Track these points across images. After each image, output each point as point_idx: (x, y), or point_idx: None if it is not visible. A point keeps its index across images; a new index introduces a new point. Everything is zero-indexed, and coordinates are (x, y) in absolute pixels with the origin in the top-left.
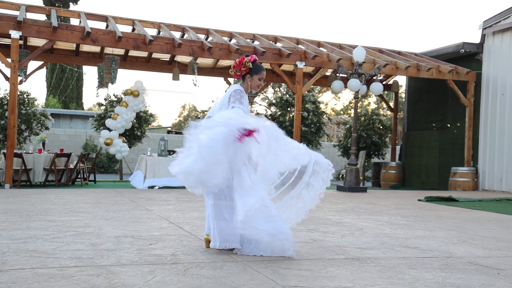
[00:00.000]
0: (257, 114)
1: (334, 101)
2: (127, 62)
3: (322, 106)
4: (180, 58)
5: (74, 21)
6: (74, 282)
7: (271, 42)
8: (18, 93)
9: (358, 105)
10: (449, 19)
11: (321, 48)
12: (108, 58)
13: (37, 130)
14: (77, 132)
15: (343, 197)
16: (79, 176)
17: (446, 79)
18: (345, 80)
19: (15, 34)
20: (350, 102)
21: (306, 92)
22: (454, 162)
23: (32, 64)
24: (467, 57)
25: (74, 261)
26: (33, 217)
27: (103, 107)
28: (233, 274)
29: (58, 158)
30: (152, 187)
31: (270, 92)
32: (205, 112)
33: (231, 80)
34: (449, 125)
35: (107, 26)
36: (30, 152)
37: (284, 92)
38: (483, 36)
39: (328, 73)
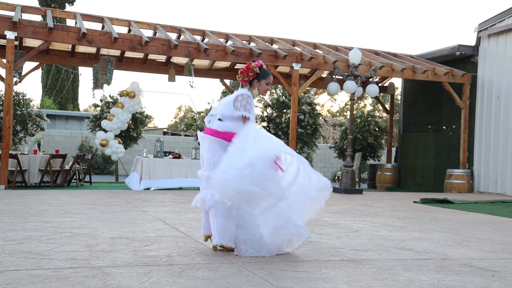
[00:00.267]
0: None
1: (330, 103)
2: (123, 63)
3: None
4: (176, 59)
5: (70, 22)
6: (69, 283)
7: (267, 43)
8: (14, 94)
9: (354, 107)
10: (445, 22)
11: (317, 50)
12: (103, 59)
13: (33, 131)
14: (72, 133)
15: (339, 198)
16: (74, 177)
17: (442, 81)
18: (341, 82)
19: (10, 34)
20: (346, 104)
21: (302, 93)
22: (449, 164)
23: (28, 65)
24: (463, 59)
25: (69, 262)
26: (28, 218)
27: (98, 108)
28: (229, 275)
29: (54, 159)
30: (148, 188)
31: (266, 94)
32: (202, 114)
33: (227, 81)
34: (444, 127)
35: (103, 27)
36: (26, 153)
37: (280, 94)
38: (479, 39)
39: (324, 75)
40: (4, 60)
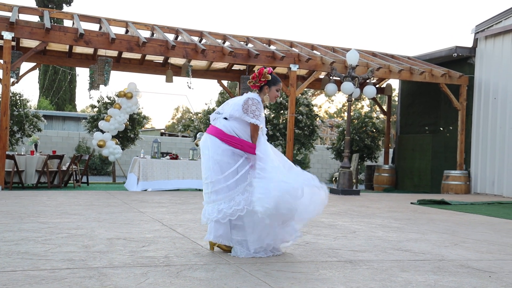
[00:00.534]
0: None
1: (328, 104)
2: (120, 64)
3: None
4: (173, 60)
5: (67, 23)
6: (66, 284)
7: (264, 44)
8: (10, 94)
9: (351, 108)
10: (442, 23)
11: (314, 51)
12: (101, 59)
13: (30, 132)
14: (70, 134)
15: (336, 199)
16: (71, 178)
17: (439, 83)
18: (338, 83)
19: (7, 35)
20: (344, 105)
21: (300, 95)
22: (446, 166)
23: (25, 66)
24: (460, 61)
25: (66, 263)
26: (25, 219)
27: (96, 109)
28: (226, 276)
29: (51, 160)
30: (145, 190)
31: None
32: (199, 114)
33: (224, 82)
34: (441, 129)
35: (100, 27)
36: (22, 153)
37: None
38: (476, 40)
39: (321, 76)
40: (1, 61)
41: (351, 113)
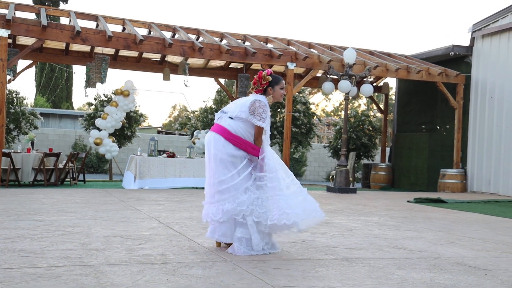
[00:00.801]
0: None
1: (325, 102)
2: (117, 61)
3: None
4: (170, 58)
5: (64, 20)
6: (62, 281)
7: (262, 43)
8: (7, 92)
9: (348, 106)
10: (439, 22)
11: (312, 50)
12: (98, 57)
13: (26, 130)
14: (66, 131)
15: (333, 198)
16: (68, 176)
17: (436, 82)
18: (335, 82)
19: (3, 32)
20: (341, 104)
21: (297, 93)
22: (443, 164)
23: (21, 63)
24: (457, 59)
25: (62, 260)
26: (21, 217)
27: (93, 107)
28: (223, 273)
29: (47, 158)
30: (142, 188)
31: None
32: (196, 113)
33: (222, 80)
34: (438, 127)
35: (97, 25)
36: (19, 151)
37: None
38: (473, 39)
39: (318, 74)
40: None
41: (348, 112)
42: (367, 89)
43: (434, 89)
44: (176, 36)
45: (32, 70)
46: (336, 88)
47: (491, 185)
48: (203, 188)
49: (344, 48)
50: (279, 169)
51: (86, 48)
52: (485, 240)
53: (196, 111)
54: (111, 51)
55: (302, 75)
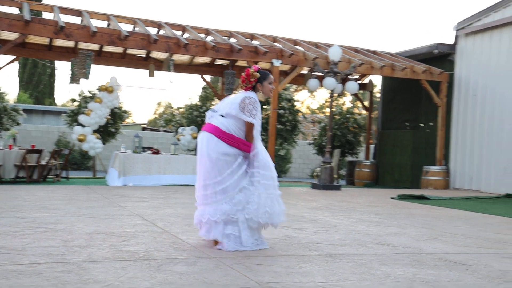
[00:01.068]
0: None
1: (310, 99)
2: (102, 57)
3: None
4: (155, 54)
5: (47, 15)
6: (44, 278)
7: (247, 39)
8: None
9: (333, 103)
10: (424, 20)
11: (297, 47)
12: (82, 53)
13: (8, 126)
14: (49, 128)
15: (318, 194)
16: (51, 173)
17: (420, 79)
18: (321, 79)
19: None
20: (326, 101)
21: (282, 90)
22: (426, 161)
23: (4, 58)
24: (441, 57)
25: (44, 257)
26: (2, 214)
27: (76, 103)
28: (207, 270)
29: (30, 154)
30: (127, 185)
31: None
32: (181, 109)
33: (207, 77)
34: (422, 125)
35: (81, 20)
36: (1, 147)
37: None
38: (457, 38)
39: (304, 72)
40: None
41: (333, 109)
42: (352, 86)
43: (418, 87)
44: (161, 32)
45: (15, 65)
46: (321, 85)
47: (473, 182)
48: (188, 185)
49: (330, 45)
50: (271, 166)
51: (70, 44)
52: (467, 236)
53: (181, 108)
54: (95, 46)
55: (287, 72)
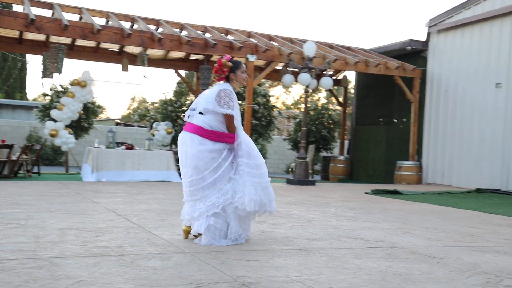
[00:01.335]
0: None
1: (285, 95)
2: (74, 51)
3: (272, 99)
4: (129, 48)
5: (17, 8)
6: (15, 274)
7: (222, 34)
8: None
9: (308, 99)
10: (398, 16)
11: (272, 42)
12: (54, 47)
13: None
14: (20, 123)
15: (292, 190)
16: (22, 168)
17: (393, 75)
18: (295, 74)
19: None
20: (301, 97)
21: (257, 85)
22: (399, 156)
23: None
24: (414, 54)
25: (15, 253)
26: None
27: (48, 98)
28: (181, 265)
29: (0, 150)
30: (100, 180)
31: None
32: (155, 104)
33: (182, 72)
34: (395, 120)
35: (52, 14)
36: None
37: None
38: (429, 34)
39: (279, 67)
40: None
41: (308, 105)
42: (326, 82)
43: (391, 83)
44: (135, 26)
45: None
46: (296, 81)
47: (445, 177)
48: (162, 181)
49: (304, 41)
50: (256, 154)
51: (41, 37)
52: (438, 230)
53: (156, 103)
54: (67, 40)
55: (262, 67)
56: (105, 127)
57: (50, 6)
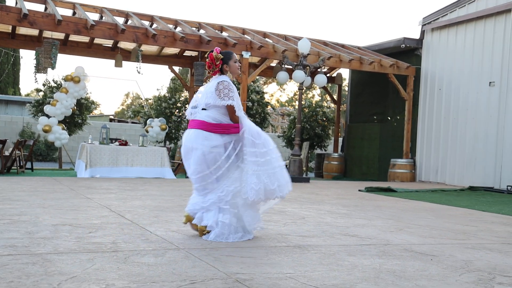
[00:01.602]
0: None
1: (279, 92)
2: (68, 47)
3: (266, 96)
4: (123, 44)
5: (10, 2)
6: (7, 270)
7: (216, 31)
8: None
9: (303, 96)
10: (392, 14)
11: (266, 39)
12: (47, 42)
13: None
14: (13, 118)
15: None
16: (15, 164)
17: (387, 73)
18: (290, 72)
19: None
20: (295, 94)
21: (251, 82)
22: (393, 154)
23: None
24: (408, 52)
25: (7, 249)
26: None
27: (41, 93)
28: (175, 261)
29: None
30: (93, 176)
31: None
32: (149, 101)
33: (176, 68)
34: (389, 118)
35: (45, 8)
36: None
37: None
38: (423, 32)
39: (273, 64)
40: None
41: (302, 102)
42: (320, 79)
43: (385, 81)
44: (129, 22)
45: None
46: (290, 78)
47: (438, 175)
48: (156, 178)
49: (299, 38)
50: (260, 141)
51: (34, 32)
52: (432, 227)
53: (150, 99)
54: (60, 35)
55: (257, 64)
56: (99, 123)
57: (43, 0)
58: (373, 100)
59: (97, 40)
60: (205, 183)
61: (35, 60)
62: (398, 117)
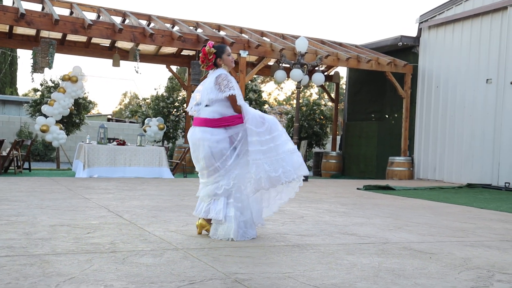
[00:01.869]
0: None
1: (277, 91)
2: (65, 46)
3: (264, 95)
4: (121, 44)
5: (7, 2)
6: (5, 271)
7: (214, 30)
8: None
9: (300, 95)
10: (389, 12)
11: (264, 38)
12: (44, 41)
13: None
14: (10, 118)
15: None
16: (12, 164)
17: (385, 71)
18: (287, 70)
19: None
20: (293, 93)
21: (249, 81)
22: (391, 152)
23: None
24: (405, 50)
25: (5, 250)
26: None
27: (39, 93)
28: (173, 261)
29: None
30: (91, 176)
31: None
32: (147, 100)
33: (173, 67)
34: (387, 116)
35: (43, 8)
36: None
37: None
38: (420, 30)
39: (271, 63)
40: None
41: (300, 101)
42: (318, 78)
43: (383, 79)
44: (127, 21)
45: None
46: (288, 76)
47: (436, 173)
48: (154, 177)
49: (296, 37)
50: (262, 130)
51: (32, 32)
52: (430, 225)
53: (147, 99)
54: (58, 35)
55: (254, 63)
56: (97, 123)
57: (40, 0)
58: (371, 98)
59: (94, 40)
60: (217, 174)
61: (32, 60)
62: (396, 115)
